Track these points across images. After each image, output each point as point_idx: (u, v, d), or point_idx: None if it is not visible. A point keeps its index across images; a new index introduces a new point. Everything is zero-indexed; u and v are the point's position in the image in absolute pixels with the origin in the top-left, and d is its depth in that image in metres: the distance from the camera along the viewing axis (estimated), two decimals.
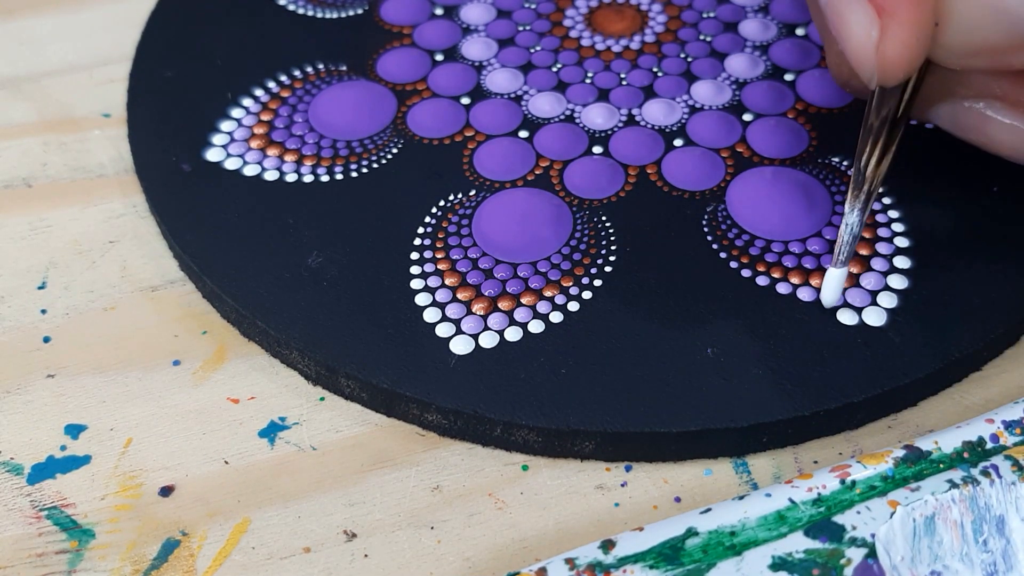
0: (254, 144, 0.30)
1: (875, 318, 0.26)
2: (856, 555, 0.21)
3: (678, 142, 0.30)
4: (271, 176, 0.29)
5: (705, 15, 0.33)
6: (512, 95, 0.31)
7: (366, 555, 0.23)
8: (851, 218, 0.25)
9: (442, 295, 0.26)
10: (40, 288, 0.28)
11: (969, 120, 0.25)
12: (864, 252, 0.27)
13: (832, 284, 0.25)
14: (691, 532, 0.22)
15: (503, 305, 0.26)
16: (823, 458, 0.25)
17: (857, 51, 0.22)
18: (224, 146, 0.30)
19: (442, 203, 0.28)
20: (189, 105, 0.31)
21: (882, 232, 0.27)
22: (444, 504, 0.24)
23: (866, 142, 0.24)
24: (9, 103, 0.32)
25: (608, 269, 0.27)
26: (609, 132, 0.30)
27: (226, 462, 0.25)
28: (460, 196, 0.28)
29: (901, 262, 0.27)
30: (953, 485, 0.22)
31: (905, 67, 0.22)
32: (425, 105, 0.31)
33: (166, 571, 0.23)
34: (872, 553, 0.21)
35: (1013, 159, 0.25)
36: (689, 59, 0.32)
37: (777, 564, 0.21)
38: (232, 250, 0.27)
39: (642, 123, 0.30)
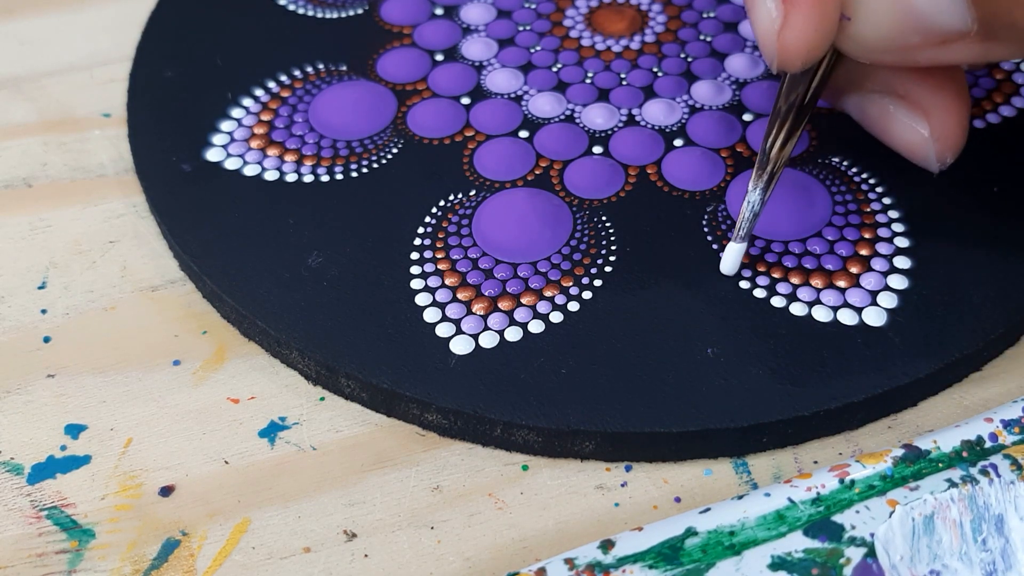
0: (254, 144, 0.30)
1: (875, 318, 0.26)
2: (855, 554, 0.21)
3: (678, 142, 0.30)
4: (271, 176, 0.29)
5: (705, 15, 0.33)
6: (512, 95, 0.31)
7: (366, 555, 0.23)
8: (753, 196, 0.25)
9: (442, 295, 0.26)
10: (40, 288, 0.28)
11: (874, 113, 0.26)
12: (864, 252, 0.27)
13: (731, 256, 0.26)
14: (690, 532, 0.22)
15: (503, 305, 0.26)
16: (823, 458, 0.25)
17: (761, 35, 0.23)
18: (224, 146, 0.30)
19: (442, 203, 0.28)
20: (189, 105, 0.31)
21: (882, 232, 0.27)
22: (444, 504, 0.24)
23: (772, 125, 0.25)
24: (9, 103, 0.32)
25: (608, 269, 0.27)
26: (609, 132, 0.30)
27: (226, 462, 0.25)
28: (460, 196, 0.28)
29: (901, 262, 0.27)
30: (952, 484, 0.22)
31: (803, 56, 0.23)
32: (425, 105, 0.31)
33: (166, 571, 0.23)
34: (871, 552, 0.21)
35: (909, 158, 0.26)
36: (689, 59, 0.32)
37: (776, 564, 0.21)
38: (232, 250, 0.27)
39: (642, 123, 0.30)
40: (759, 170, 0.25)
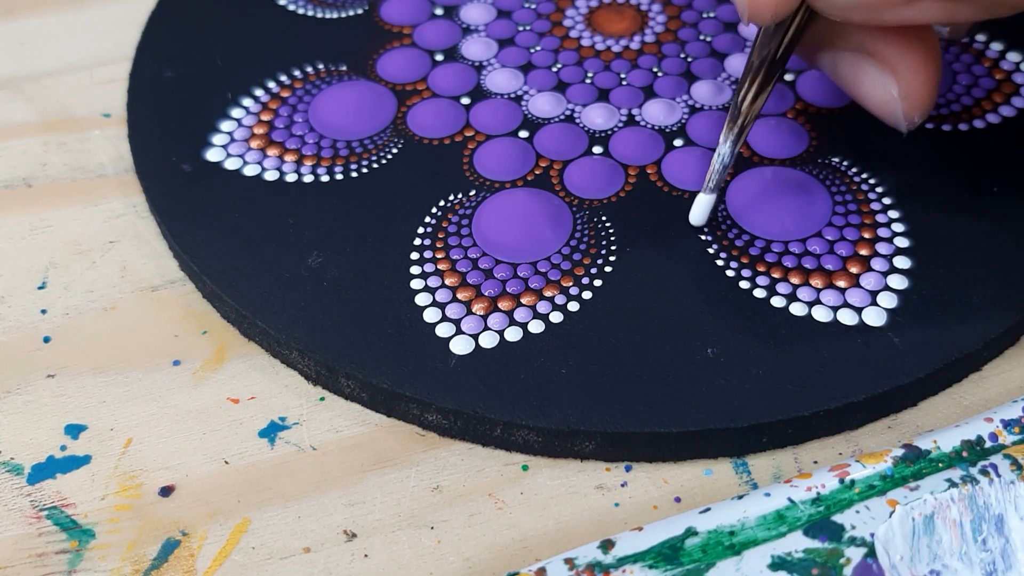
0: (254, 144, 0.30)
1: (875, 318, 0.26)
2: (855, 554, 0.21)
3: (678, 142, 0.30)
4: (271, 176, 0.29)
5: (705, 15, 0.33)
6: (512, 95, 0.31)
7: (366, 555, 0.23)
8: (723, 148, 0.26)
9: (442, 295, 0.26)
10: (40, 288, 0.28)
11: (845, 71, 0.26)
12: (864, 252, 0.27)
13: (700, 207, 0.27)
14: (690, 532, 0.22)
15: (503, 305, 0.26)
16: (823, 458, 0.25)
17: None
18: (224, 146, 0.30)
19: (442, 203, 0.28)
20: (189, 105, 0.31)
21: (882, 232, 0.27)
22: (444, 504, 0.24)
23: (745, 78, 0.26)
24: (9, 103, 0.32)
25: (608, 269, 0.27)
26: (609, 132, 0.30)
27: (226, 462, 0.25)
28: (460, 196, 0.28)
29: (901, 262, 0.27)
30: (952, 484, 0.22)
31: (773, 10, 0.23)
32: (425, 105, 0.31)
33: (166, 571, 0.23)
34: (871, 552, 0.21)
35: (878, 116, 0.26)
36: (689, 59, 0.32)
37: (776, 564, 0.21)
38: (232, 250, 0.27)
39: (642, 123, 0.30)
40: (730, 122, 0.26)
